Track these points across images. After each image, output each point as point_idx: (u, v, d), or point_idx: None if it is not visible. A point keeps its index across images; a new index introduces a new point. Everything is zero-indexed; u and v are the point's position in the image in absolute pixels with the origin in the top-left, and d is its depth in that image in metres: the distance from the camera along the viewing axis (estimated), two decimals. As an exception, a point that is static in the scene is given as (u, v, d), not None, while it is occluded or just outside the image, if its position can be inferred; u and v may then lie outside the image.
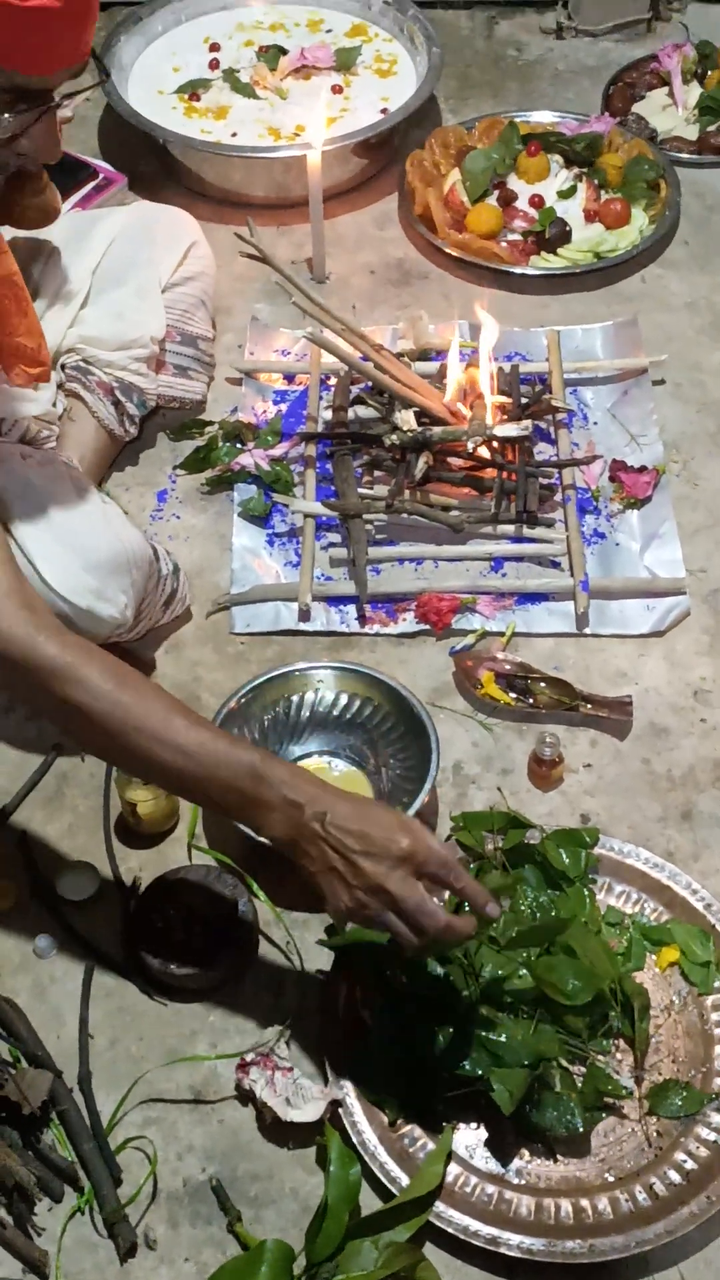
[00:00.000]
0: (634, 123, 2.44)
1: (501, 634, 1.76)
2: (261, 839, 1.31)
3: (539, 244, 2.22)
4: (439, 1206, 1.30)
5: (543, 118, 2.44)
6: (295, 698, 1.64)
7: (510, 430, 1.86)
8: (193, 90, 2.43)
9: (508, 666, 1.70)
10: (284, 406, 2.02)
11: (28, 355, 1.59)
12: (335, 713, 1.63)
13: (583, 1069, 1.36)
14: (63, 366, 1.86)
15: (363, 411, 1.96)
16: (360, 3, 2.57)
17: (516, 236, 2.24)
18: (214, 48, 2.52)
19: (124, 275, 1.89)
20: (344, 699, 1.64)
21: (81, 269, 1.87)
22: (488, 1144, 1.36)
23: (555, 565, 1.83)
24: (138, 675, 1.30)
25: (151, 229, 1.95)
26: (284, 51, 2.47)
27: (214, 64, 2.48)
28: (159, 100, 2.42)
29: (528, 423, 1.88)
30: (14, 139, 1.33)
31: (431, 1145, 1.34)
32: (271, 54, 2.47)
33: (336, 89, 2.43)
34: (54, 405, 1.83)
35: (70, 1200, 1.33)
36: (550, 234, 2.21)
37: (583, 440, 1.97)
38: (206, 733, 1.28)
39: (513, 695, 1.69)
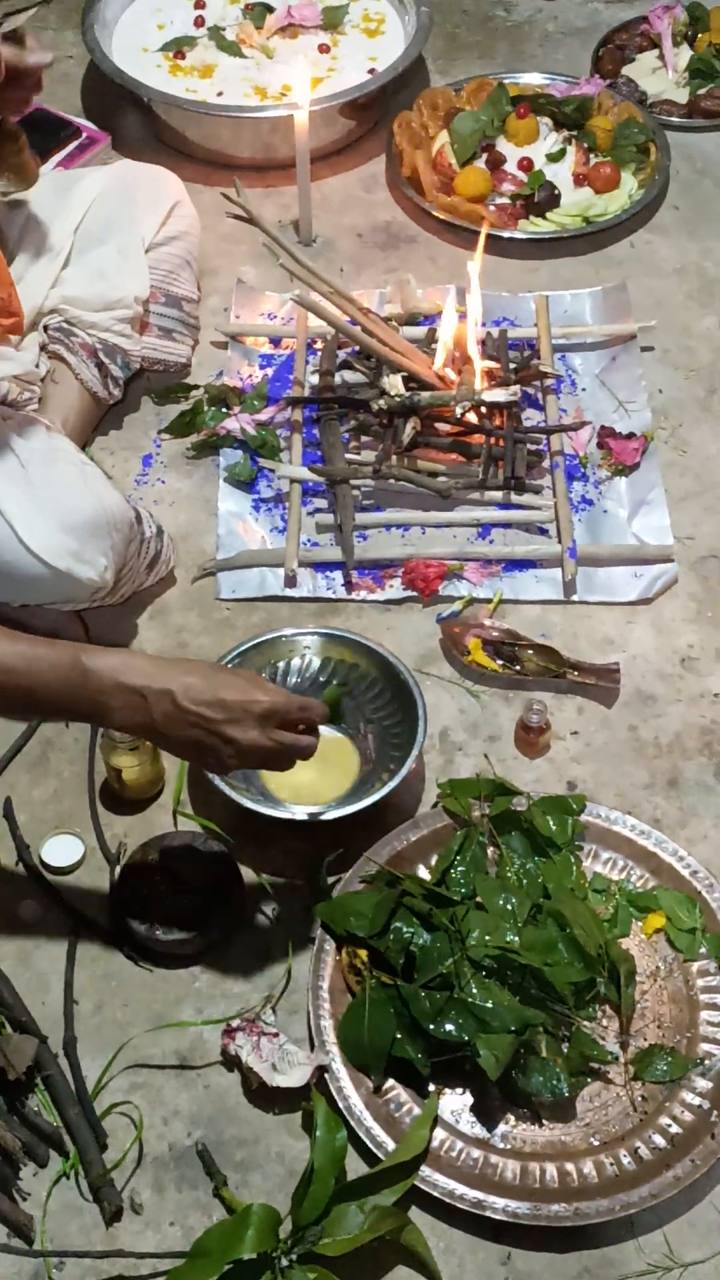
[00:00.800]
0: (624, 85, 2.41)
1: (489, 601, 1.75)
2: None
3: (528, 208, 2.20)
4: (425, 1171, 1.30)
5: (532, 80, 2.41)
6: (281, 664, 1.63)
7: (498, 396, 1.85)
8: (178, 48, 2.40)
9: (495, 633, 1.70)
10: (270, 371, 2.00)
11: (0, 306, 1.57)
12: (322, 679, 1.63)
13: (569, 1034, 1.37)
14: (45, 328, 1.84)
15: (350, 376, 1.95)
16: (348, -40, 2.53)
17: (505, 200, 2.22)
18: (199, 4, 2.48)
19: (106, 235, 1.86)
20: (331, 665, 1.63)
21: (63, 228, 1.84)
22: (473, 1109, 1.36)
23: (543, 532, 1.82)
24: None
25: (134, 188, 1.92)
26: (270, 9, 2.44)
27: (199, 21, 2.45)
28: (143, 58, 2.39)
29: (516, 388, 1.87)
30: None
31: (417, 1110, 1.34)
32: (258, 12, 2.43)
33: (323, 48, 2.40)
34: (36, 366, 1.81)
35: (56, 1165, 1.33)
36: (539, 198, 2.19)
37: (571, 406, 1.96)
38: (23, 643, 1.25)
39: (500, 662, 1.68)
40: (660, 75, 2.45)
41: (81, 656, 1.24)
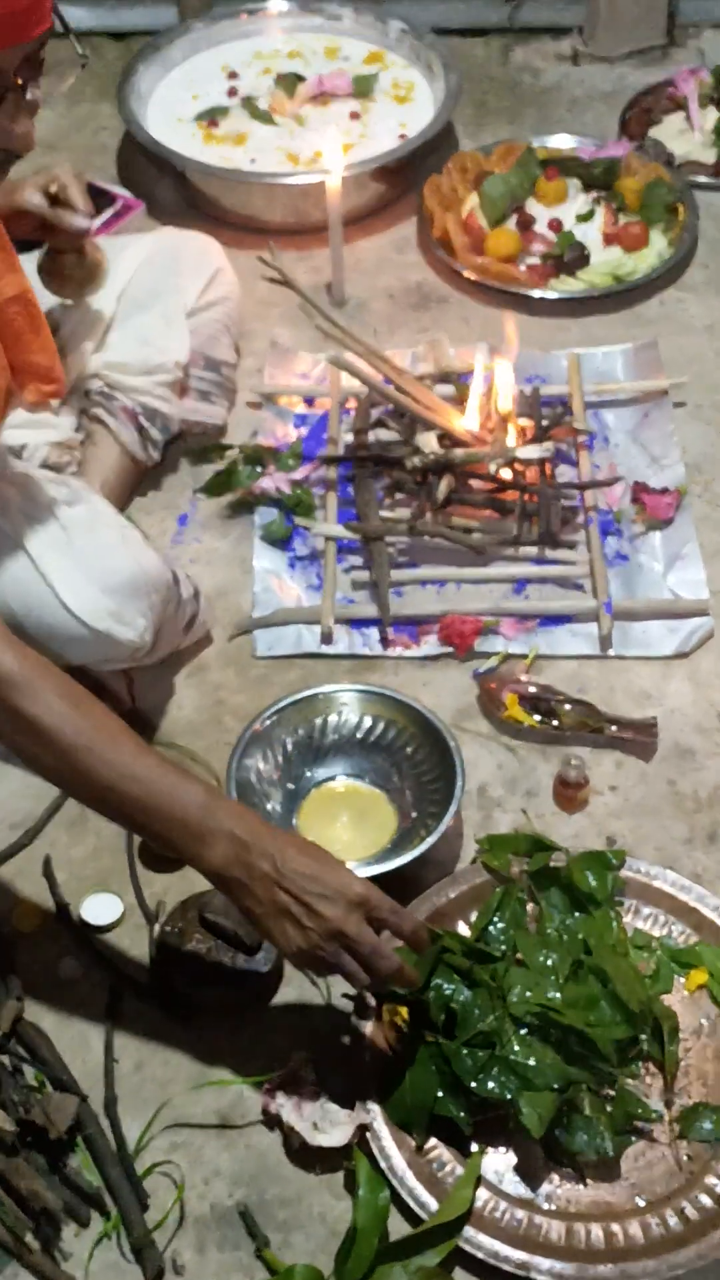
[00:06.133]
0: (651, 147, 2.45)
1: (525, 656, 1.76)
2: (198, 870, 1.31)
3: (558, 267, 2.23)
4: (468, 1231, 1.29)
5: (560, 143, 2.45)
6: (319, 720, 1.64)
7: (532, 452, 1.86)
8: (211, 117, 2.46)
9: (531, 689, 1.70)
10: (304, 430, 2.03)
11: (41, 373, 1.60)
12: (359, 735, 1.64)
13: (612, 1092, 1.35)
14: (87, 392, 1.87)
15: (383, 434, 1.97)
16: (377, 30, 2.59)
17: (535, 260, 2.25)
18: (232, 75, 2.54)
19: (149, 301, 1.90)
20: (368, 721, 1.64)
21: (107, 295, 1.88)
22: (517, 1169, 1.35)
23: (578, 587, 1.83)
24: (91, 697, 1.30)
25: (177, 255, 1.96)
26: (302, 79, 2.50)
27: (232, 91, 2.51)
28: (178, 128, 2.45)
29: (549, 445, 1.89)
30: None
31: (460, 1170, 1.33)
32: (289, 81, 2.49)
33: (354, 115, 2.45)
34: (76, 431, 1.84)
35: (97, 1225, 1.33)
36: (569, 257, 2.22)
37: (604, 462, 1.98)
38: (154, 759, 1.28)
39: (537, 717, 1.69)
40: (687, 137, 2.48)
41: (208, 799, 1.27)
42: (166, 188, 2.42)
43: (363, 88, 2.49)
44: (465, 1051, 1.33)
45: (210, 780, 1.64)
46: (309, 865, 1.26)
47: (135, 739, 1.29)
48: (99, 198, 2.27)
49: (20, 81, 1.28)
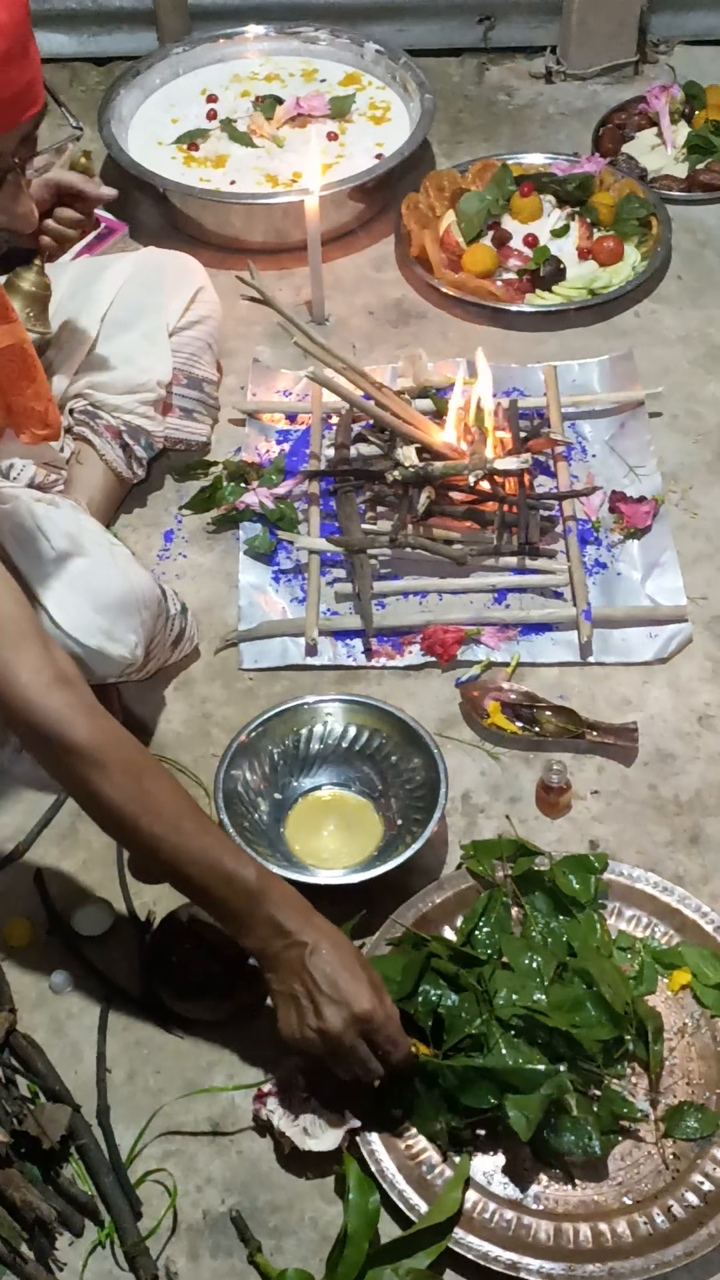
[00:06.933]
0: (624, 162, 2.48)
1: (506, 664, 1.78)
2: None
3: (534, 282, 2.25)
4: (458, 1233, 1.30)
5: (534, 159, 2.48)
6: (305, 731, 1.65)
7: (510, 464, 1.89)
8: (191, 140, 2.48)
9: (513, 696, 1.72)
10: (287, 446, 2.05)
11: (37, 417, 1.62)
12: (345, 745, 1.65)
13: (598, 1093, 1.37)
14: (71, 411, 1.89)
15: (365, 449, 1.99)
16: (353, 52, 2.62)
17: (512, 275, 2.28)
18: (211, 99, 2.57)
19: (132, 320, 1.93)
20: (353, 731, 1.65)
21: (91, 315, 1.90)
22: (505, 1170, 1.36)
23: (558, 596, 1.85)
24: (158, 772, 1.35)
25: (159, 274, 1.98)
26: (280, 101, 2.52)
27: (211, 114, 2.53)
28: (158, 151, 2.47)
29: (527, 456, 1.91)
30: None
31: (449, 1172, 1.35)
32: (268, 104, 2.52)
33: (332, 136, 2.48)
34: (61, 450, 1.86)
35: (91, 1234, 1.34)
36: (545, 272, 2.25)
37: (582, 472, 2.00)
38: (210, 839, 1.34)
39: (519, 724, 1.70)
40: (659, 152, 2.51)
41: (257, 887, 1.32)
42: (148, 210, 2.44)
43: (340, 108, 2.52)
44: (452, 1055, 1.35)
45: (198, 790, 1.66)
46: (332, 967, 1.31)
47: (196, 818, 1.34)
48: (82, 220, 2.30)
49: (18, 161, 1.31)
